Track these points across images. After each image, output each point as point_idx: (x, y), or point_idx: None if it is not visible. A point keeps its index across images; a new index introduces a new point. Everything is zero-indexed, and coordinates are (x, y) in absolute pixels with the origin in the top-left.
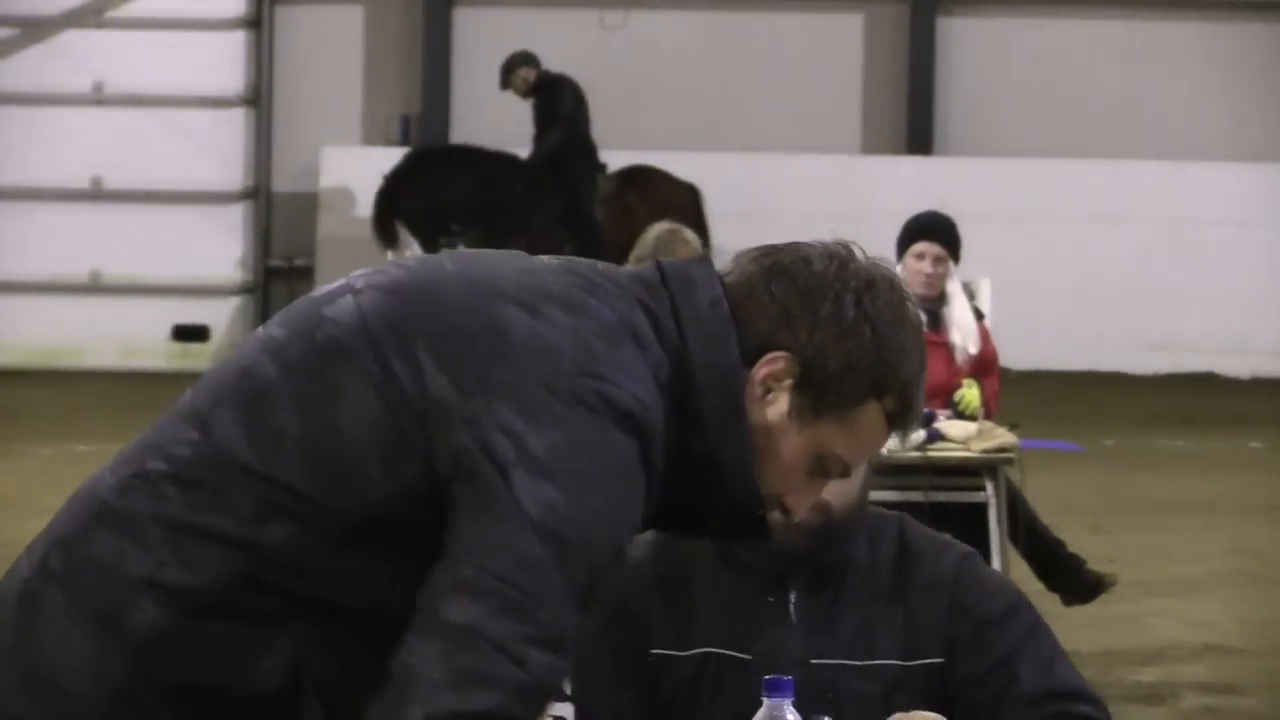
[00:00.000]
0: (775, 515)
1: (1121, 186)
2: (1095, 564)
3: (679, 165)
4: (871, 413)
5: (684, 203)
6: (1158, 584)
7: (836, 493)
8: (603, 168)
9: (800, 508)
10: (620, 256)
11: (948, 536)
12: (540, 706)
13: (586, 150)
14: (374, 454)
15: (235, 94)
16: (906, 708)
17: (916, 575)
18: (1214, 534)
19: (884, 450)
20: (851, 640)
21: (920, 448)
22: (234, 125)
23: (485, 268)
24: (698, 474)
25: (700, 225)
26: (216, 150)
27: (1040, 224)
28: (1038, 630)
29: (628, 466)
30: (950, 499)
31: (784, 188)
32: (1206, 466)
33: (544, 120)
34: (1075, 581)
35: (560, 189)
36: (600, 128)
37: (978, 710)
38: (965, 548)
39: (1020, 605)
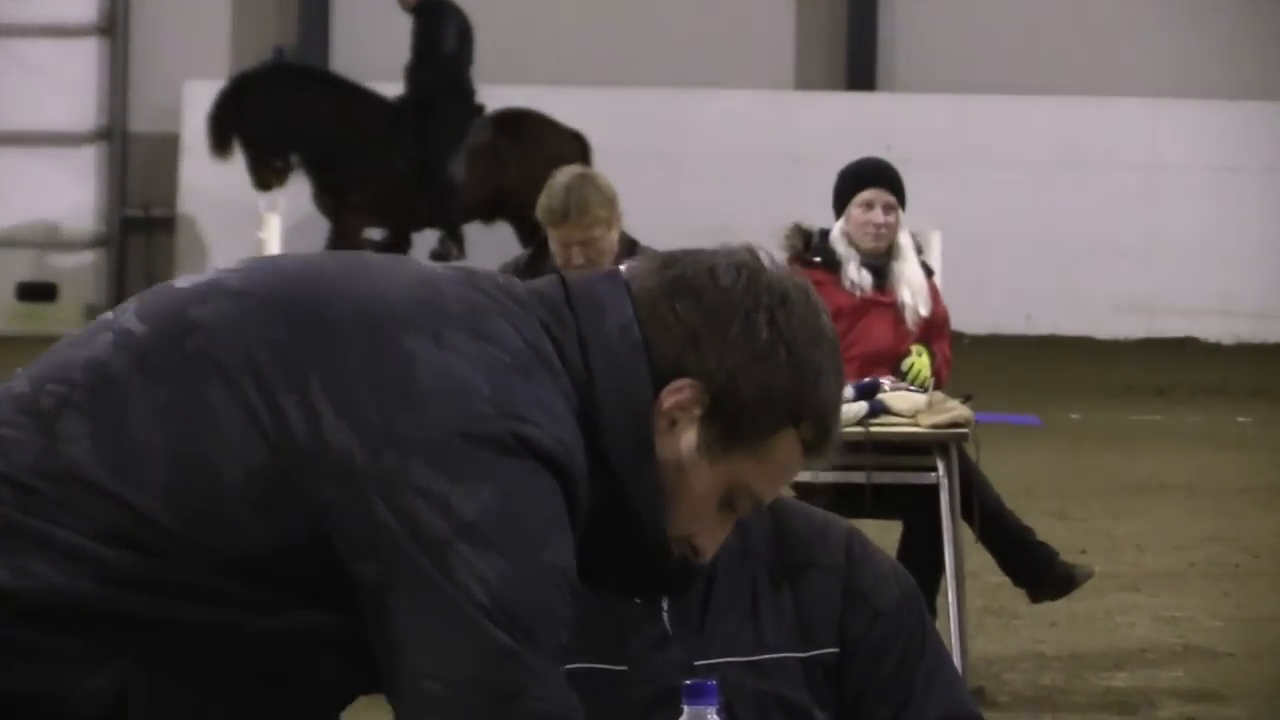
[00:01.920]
0: (679, 555)
1: (1088, 127)
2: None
3: (578, 103)
4: (787, 442)
5: (567, 154)
6: (1130, 577)
7: None
8: (480, 110)
9: (711, 547)
10: (488, 213)
11: (823, 511)
12: None
13: (463, 94)
14: (250, 500)
15: (86, 22)
16: (808, 707)
17: (800, 555)
18: (1193, 520)
19: None
20: (735, 635)
21: (862, 422)
22: (85, 57)
23: (376, 280)
24: (603, 519)
25: None
26: (65, 85)
27: (997, 169)
28: (928, 633)
29: (559, 514)
30: (896, 480)
31: (702, 129)
32: (1185, 444)
33: (420, 50)
34: (1045, 575)
35: (423, 138)
36: (483, 58)
37: None
38: (846, 522)
39: (914, 596)
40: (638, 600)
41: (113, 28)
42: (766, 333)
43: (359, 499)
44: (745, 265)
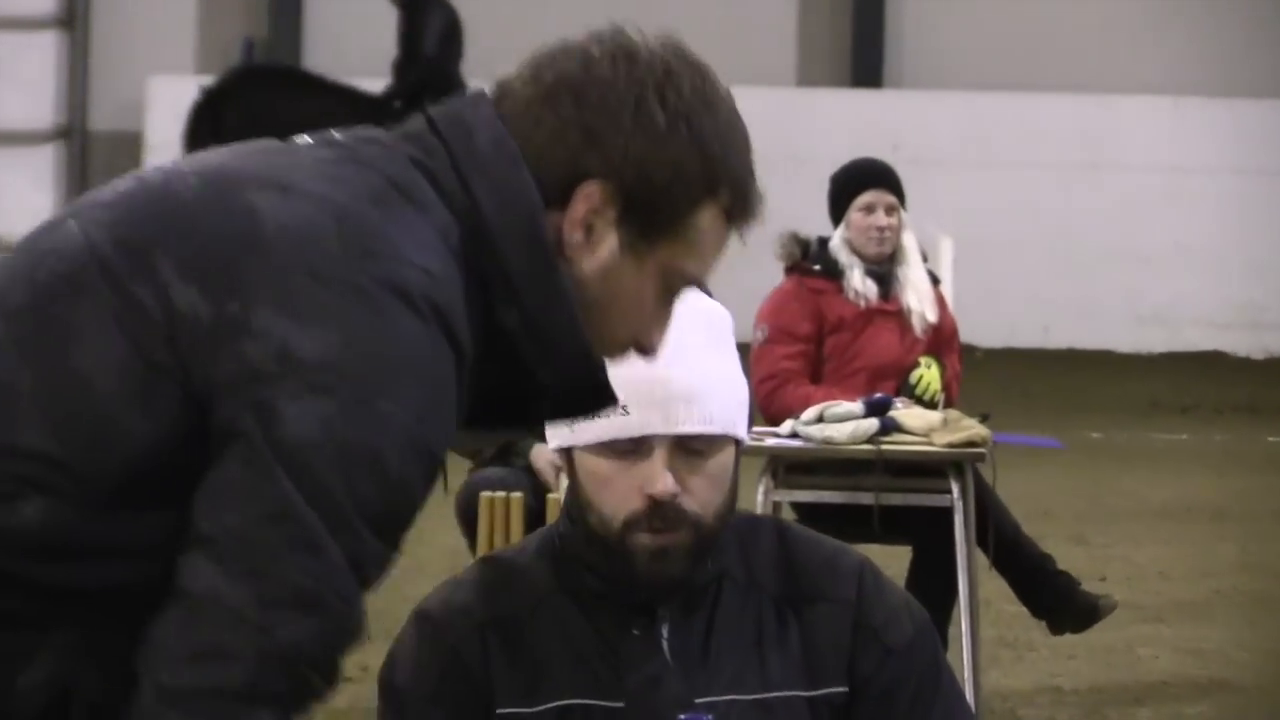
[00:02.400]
0: (617, 366)
1: (1107, 126)
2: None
3: None
4: (709, 215)
5: None
6: (1153, 607)
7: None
8: None
9: (658, 339)
10: None
11: (833, 540)
12: (320, 673)
13: (450, 92)
14: (126, 397)
15: (45, 13)
16: None
17: (808, 586)
18: (1220, 546)
19: (827, 438)
20: (740, 670)
21: (873, 440)
22: (43, 50)
23: (226, 158)
24: (516, 350)
25: None
26: (21, 80)
27: (1011, 172)
28: (942, 671)
29: (425, 359)
30: (906, 501)
31: None
32: (1211, 464)
33: (405, 48)
34: (1067, 606)
35: None
36: (478, 55)
37: None
38: (858, 553)
39: (927, 632)
40: (635, 632)
41: (72, 19)
42: (661, 114)
43: (208, 354)
44: (620, 49)
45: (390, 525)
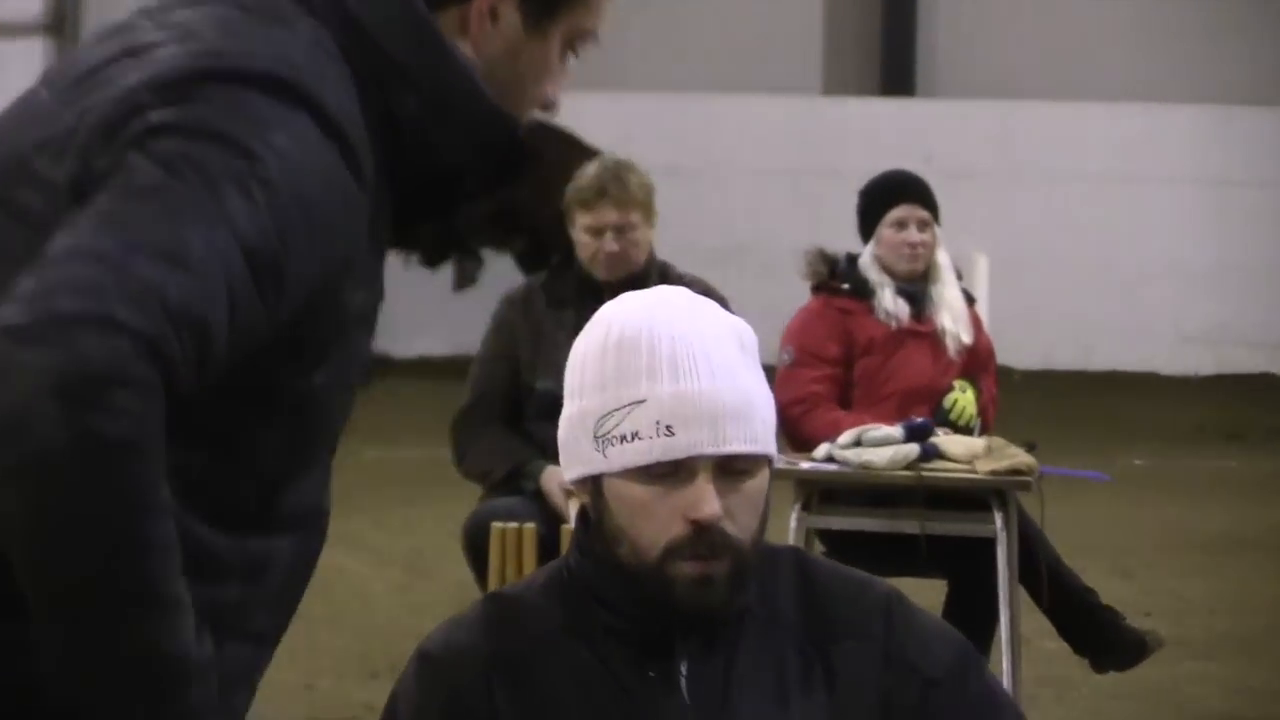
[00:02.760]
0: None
1: (1151, 137)
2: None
3: (581, 110)
4: None
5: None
6: (1201, 643)
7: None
8: None
9: (558, 91)
10: (499, 232)
11: (857, 571)
12: (180, 333)
13: None
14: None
15: (32, 19)
16: None
17: (833, 622)
18: (1272, 580)
19: (865, 463)
20: (762, 715)
21: (913, 466)
22: (30, 58)
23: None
24: (427, 133)
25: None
26: (7, 88)
27: (1050, 184)
28: (997, 695)
29: (303, 143)
30: (947, 531)
31: (719, 139)
32: (1261, 493)
33: None
34: (1113, 643)
35: None
36: None
37: None
38: (886, 584)
39: (969, 657)
40: (651, 673)
41: (60, 25)
42: None
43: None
44: None
45: (261, 260)
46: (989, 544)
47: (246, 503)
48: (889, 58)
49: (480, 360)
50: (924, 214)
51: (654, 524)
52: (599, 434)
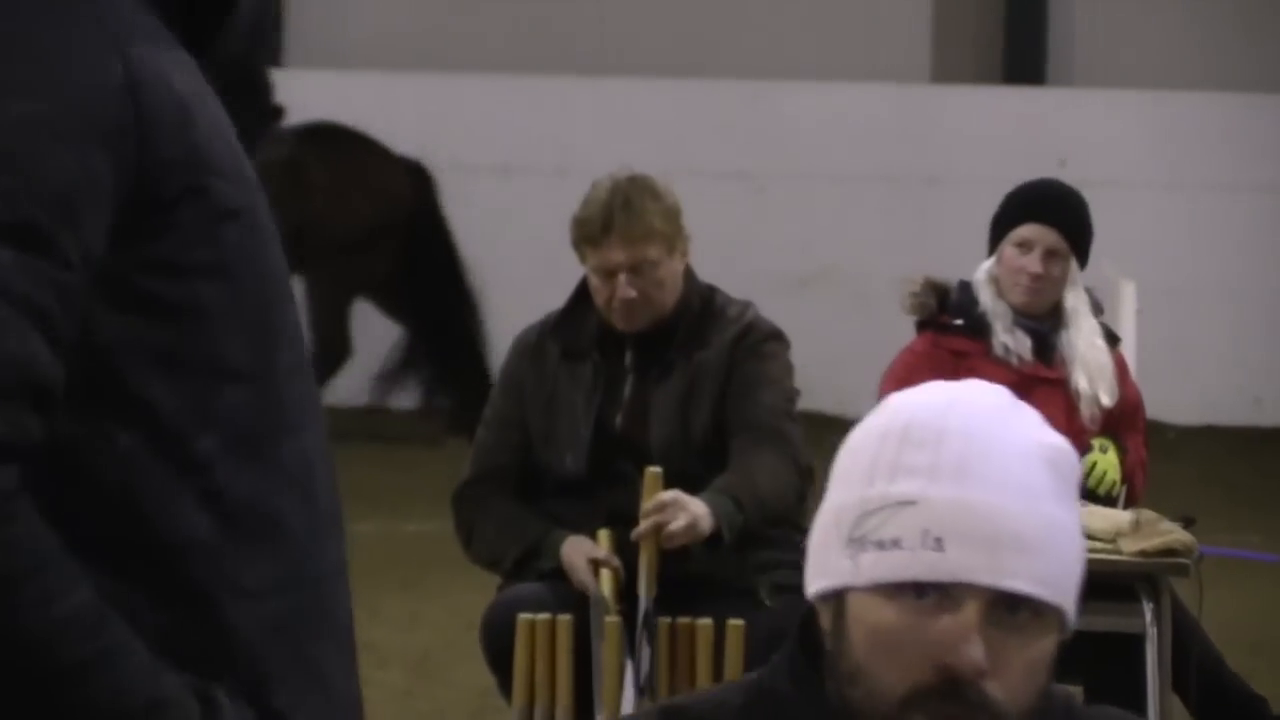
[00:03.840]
0: None
1: None
2: None
3: (620, 97)
4: None
5: (396, 190)
6: None
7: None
8: (276, 114)
9: None
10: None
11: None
12: None
13: (253, 90)
14: None
15: None
16: None
17: None
18: None
19: None
20: None
21: None
22: None
23: None
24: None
25: (431, 225)
26: None
27: (1211, 195)
28: None
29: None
30: (1087, 625)
31: (797, 136)
32: None
33: None
34: None
35: None
36: (503, 41)
37: None
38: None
39: None
40: None
41: None
42: None
43: None
44: None
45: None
46: (1136, 641)
47: (258, 437)
48: (1012, 39)
49: (486, 423)
50: (1057, 240)
51: (898, 664)
52: (854, 536)
